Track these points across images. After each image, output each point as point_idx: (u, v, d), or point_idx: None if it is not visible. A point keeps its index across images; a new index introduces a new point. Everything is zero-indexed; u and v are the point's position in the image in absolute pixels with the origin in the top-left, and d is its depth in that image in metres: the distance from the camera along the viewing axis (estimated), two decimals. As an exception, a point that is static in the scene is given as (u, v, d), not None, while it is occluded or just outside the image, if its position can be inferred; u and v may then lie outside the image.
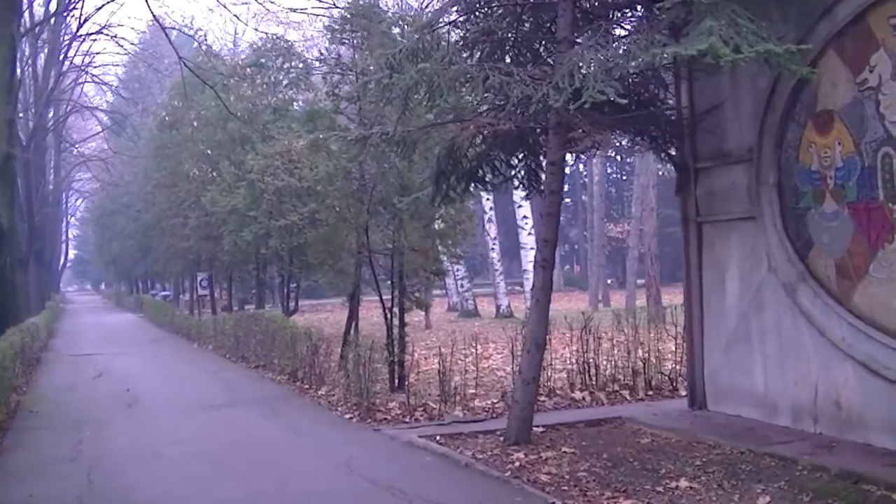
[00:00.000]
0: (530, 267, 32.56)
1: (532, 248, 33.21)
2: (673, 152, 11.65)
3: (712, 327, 11.29)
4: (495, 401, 12.60)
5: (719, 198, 11.07)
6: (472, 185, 11.66)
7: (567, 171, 23.74)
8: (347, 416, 12.37)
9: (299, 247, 22.79)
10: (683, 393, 12.75)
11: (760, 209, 10.28)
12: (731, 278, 10.94)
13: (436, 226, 14.10)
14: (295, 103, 28.01)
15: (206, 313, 34.95)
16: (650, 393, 12.94)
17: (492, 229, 35.18)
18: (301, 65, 26.88)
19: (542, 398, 12.44)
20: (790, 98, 9.83)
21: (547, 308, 9.67)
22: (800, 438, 9.32)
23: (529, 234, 33.05)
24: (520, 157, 11.54)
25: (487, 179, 11.64)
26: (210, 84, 21.36)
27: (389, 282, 15.20)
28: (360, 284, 17.25)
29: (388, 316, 14.32)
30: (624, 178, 66.92)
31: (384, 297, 14.81)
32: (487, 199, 33.15)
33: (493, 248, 35.74)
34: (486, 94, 9.08)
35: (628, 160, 63.66)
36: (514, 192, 30.54)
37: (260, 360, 19.28)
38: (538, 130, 10.51)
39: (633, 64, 8.27)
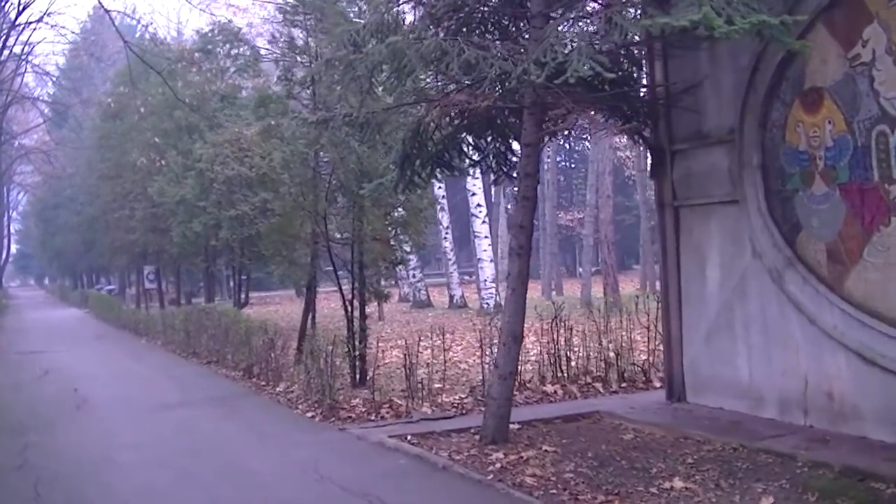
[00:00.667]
0: (484, 256, 32.91)
1: (486, 237, 32.77)
2: (647, 134, 11.16)
3: (691, 316, 10.84)
4: (463, 395, 12.06)
5: (698, 181, 10.60)
6: (438, 169, 11.07)
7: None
8: (309, 414, 11.72)
9: (251, 237, 22.07)
10: (658, 385, 12.38)
11: (743, 192, 9.82)
12: (712, 265, 10.48)
13: (395, 213, 13.47)
14: (244, 90, 27.17)
15: (153, 307, 33.99)
16: (623, 385, 12.48)
17: (444, 218, 34.59)
18: (249, 51, 25.99)
19: (514, 393, 11.93)
20: (775, 75, 9.37)
21: (524, 298, 9.12)
22: (790, 432, 8.89)
23: (483, 222, 32.51)
24: (488, 140, 10.98)
25: (454, 164, 11.06)
26: (157, 70, 20.45)
27: (347, 272, 14.54)
28: (316, 275, 16.59)
29: (349, 308, 13.67)
30: (573, 166, 66.76)
31: (342, 289, 14.15)
32: (440, 187, 32.55)
33: (445, 237, 35.17)
34: (458, 71, 8.42)
35: (576, 148, 63.75)
36: (469, 179, 30.01)
37: (212, 355, 18.51)
38: (510, 111, 9.94)
39: (618, 37, 7.71)
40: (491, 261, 33.05)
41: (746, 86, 9.69)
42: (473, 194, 31.76)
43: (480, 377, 12.16)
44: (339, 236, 13.94)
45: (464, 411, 11.31)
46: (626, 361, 12.79)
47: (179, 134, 26.12)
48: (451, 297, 35.33)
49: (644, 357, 13.06)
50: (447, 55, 8.03)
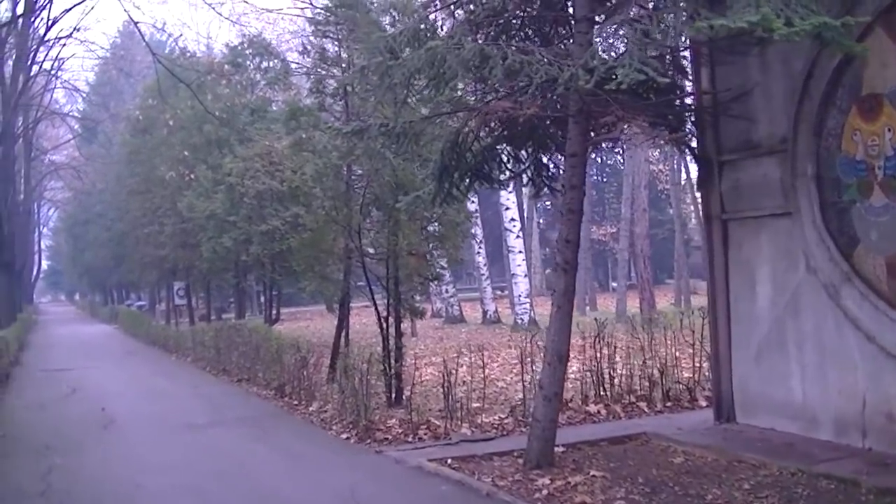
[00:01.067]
0: (519, 271, 32.47)
1: (520, 252, 32.36)
2: (693, 144, 10.75)
3: (741, 334, 10.39)
4: (503, 416, 11.65)
5: (748, 193, 10.18)
6: (477, 182, 10.72)
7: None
8: (344, 435, 11.36)
9: (282, 253, 21.78)
10: (704, 404, 11.95)
11: (797, 204, 9.38)
12: (763, 280, 10.04)
13: (431, 228, 13.12)
14: (274, 104, 27.00)
15: (183, 323, 33.81)
16: (669, 405, 12.04)
17: (477, 232, 34.25)
18: (280, 64, 25.81)
19: (555, 413, 11.56)
20: (830, 81, 8.93)
21: (570, 315, 8.73)
22: (848, 455, 8.44)
23: (517, 237, 32.14)
24: (528, 151, 10.63)
25: (493, 176, 10.70)
26: (186, 83, 20.27)
27: (380, 288, 14.21)
28: (349, 292, 16.27)
29: (384, 325, 13.32)
30: (604, 179, 66.11)
31: (377, 305, 13.80)
32: (472, 200, 32.27)
33: (478, 252, 34.77)
34: (500, 78, 8.06)
35: (608, 161, 63.23)
36: (503, 193, 29.64)
37: (243, 373, 18.23)
38: (551, 121, 9.58)
39: (669, 40, 7.33)
40: (525, 276, 32.64)
41: (800, 93, 9.26)
42: (507, 209, 31.43)
43: (520, 396, 11.78)
44: (372, 251, 13.60)
45: (504, 432, 10.92)
46: (671, 380, 12.34)
47: (209, 148, 25.97)
48: (485, 312, 34.92)
49: (688, 375, 12.61)
50: (489, 60, 7.68)
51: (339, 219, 13.51)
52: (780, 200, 9.64)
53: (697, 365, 12.49)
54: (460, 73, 7.88)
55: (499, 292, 48.33)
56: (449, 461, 9.21)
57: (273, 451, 10.77)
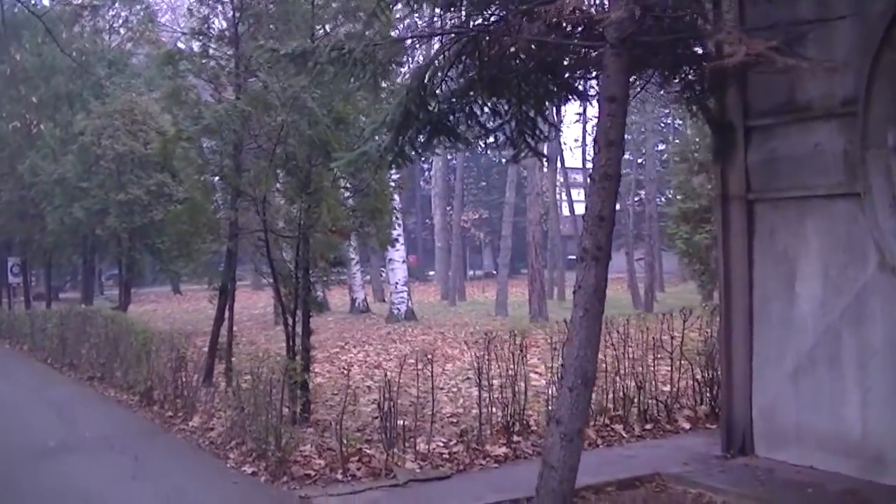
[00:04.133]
0: (396, 256, 29.94)
1: (399, 236, 29.84)
2: (710, 104, 8.49)
3: (769, 345, 8.23)
4: (446, 440, 9.19)
5: (787, 167, 8.01)
6: (439, 138, 8.15)
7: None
8: (248, 469, 8.57)
9: (143, 227, 18.54)
10: (686, 426, 9.86)
11: (867, 183, 7.25)
12: (808, 277, 7.89)
13: (354, 200, 10.41)
14: (134, 57, 23.49)
15: (18, 304, 29.70)
16: (647, 427, 9.80)
17: (345, 209, 31.50)
18: (143, 10, 22.39)
19: (516, 438, 9.15)
20: (927, 26, 6.84)
21: (599, 323, 6.29)
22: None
23: (396, 219, 29.59)
24: (510, 101, 8.15)
25: (459, 131, 8.17)
26: (38, 15, 16.76)
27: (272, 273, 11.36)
28: (234, 276, 13.40)
29: (291, 321, 10.55)
30: (467, 164, 64.19)
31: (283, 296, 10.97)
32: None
33: (348, 234, 32.02)
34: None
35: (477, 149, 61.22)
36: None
37: (96, 370, 15.04)
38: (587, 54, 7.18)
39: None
40: (403, 262, 30.36)
41: (879, 41, 7.13)
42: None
43: (448, 409, 9.37)
44: (281, 226, 10.81)
45: (460, 466, 8.46)
46: (646, 395, 10.13)
47: (58, 104, 22.20)
48: (353, 300, 32.44)
49: (665, 388, 10.45)
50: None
51: (239, 183, 10.62)
52: (841, 177, 7.52)
53: (676, 378, 10.35)
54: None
55: (367, 278, 45.74)
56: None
57: (160, 495, 7.86)
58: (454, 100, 7.86)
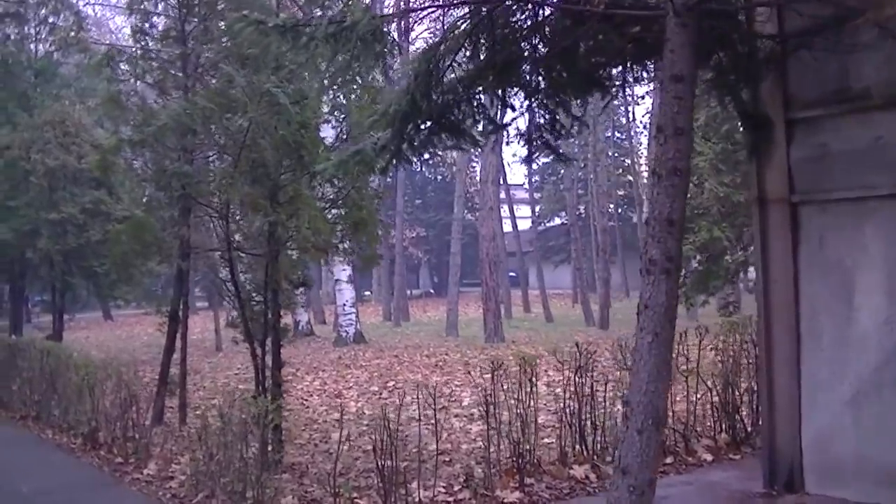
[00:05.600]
0: (343, 276, 28.69)
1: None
2: (744, 95, 7.49)
3: (821, 366, 7.23)
4: (449, 484, 8.01)
5: (841, 164, 7.05)
6: (440, 136, 7.04)
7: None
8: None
9: (79, 248, 17.02)
10: (708, 457, 8.85)
11: (947, 181, 6.32)
12: (869, 289, 6.91)
13: (336, 210, 9.15)
14: (64, 67, 21.90)
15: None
16: (667, 462, 8.71)
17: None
18: (73, 16, 20.86)
19: (529, 480, 8.01)
20: None
21: (671, 348, 5.22)
22: None
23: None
24: (522, 92, 7.09)
25: (464, 127, 7.07)
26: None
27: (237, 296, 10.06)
28: (187, 300, 12.05)
29: (260, 351, 9.26)
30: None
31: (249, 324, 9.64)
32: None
33: (291, 251, 30.67)
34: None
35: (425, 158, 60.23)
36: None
37: (30, 408, 13.48)
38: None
39: None
40: (350, 281, 29.08)
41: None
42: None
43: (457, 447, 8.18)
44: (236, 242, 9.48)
45: (470, 518, 7.29)
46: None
47: (-22, 118, 20.58)
48: (297, 322, 31.00)
49: (682, 414, 9.42)
50: None
51: (199, 194, 9.30)
52: (910, 175, 6.57)
53: (692, 401, 9.34)
54: None
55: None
56: None
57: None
58: (461, 89, 6.78)
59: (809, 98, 7.22)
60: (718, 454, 8.98)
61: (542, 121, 7.11)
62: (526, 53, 6.94)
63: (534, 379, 8.42)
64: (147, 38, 12.63)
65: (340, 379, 18.41)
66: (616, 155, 52.28)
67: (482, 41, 6.64)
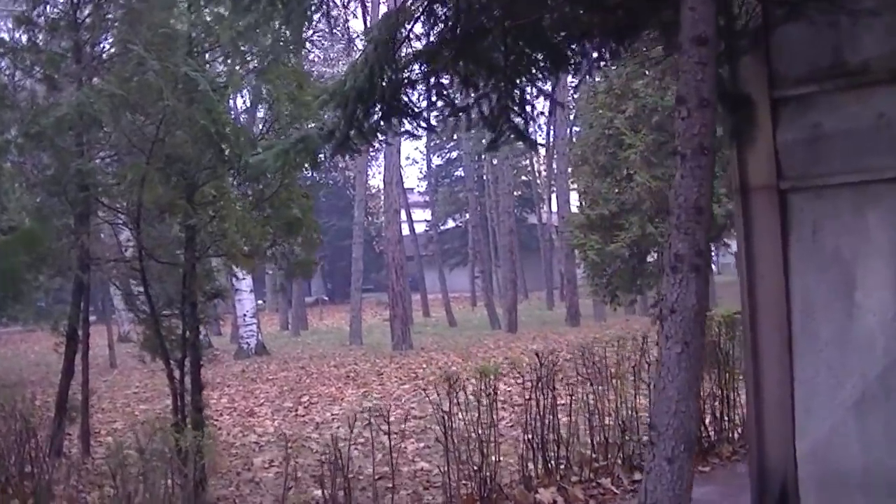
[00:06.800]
0: (243, 286, 27.30)
1: (246, 262, 27.30)
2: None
3: (818, 368, 6.55)
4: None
5: (839, 146, 6.37)
6: (390, 120, 6.13)
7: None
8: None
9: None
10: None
11: (961, 162, 5.71)
12: (873, 284, 6.26)
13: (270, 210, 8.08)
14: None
15: None
16: (636, 479, 7.99)
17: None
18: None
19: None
20: None
21: (702, 360, 4.42)
22: None
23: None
24: (482, 72, 6.21)
25: (417, 110, 6.19)
26: None
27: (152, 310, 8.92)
28: (87, 317, 10.79)
29: (179, 373, 8.14)
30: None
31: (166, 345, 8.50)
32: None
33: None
34: None
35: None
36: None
37: None
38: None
39: None
40: (251, 290, 27.97)
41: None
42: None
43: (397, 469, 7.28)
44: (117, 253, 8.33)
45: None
46: (631, 435, 8.37)
47: None
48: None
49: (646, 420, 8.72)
50: None
51: (104, 195, 8.12)
52: (919, 156, 5.95)
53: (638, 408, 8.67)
54: None
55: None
56: None
57: None
58: (417, 67, 5.89)
59: (799, 74, 6.54)
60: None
61: (508, 102, 6.25)
62: (489, 26, 6.10)
63: (494, 393, 7.56)
64: (34, 28, 11.32)
65: (249, 395, 17.40)
66: (513, 155, 51.95)
67: (441, 10, 5.78)
